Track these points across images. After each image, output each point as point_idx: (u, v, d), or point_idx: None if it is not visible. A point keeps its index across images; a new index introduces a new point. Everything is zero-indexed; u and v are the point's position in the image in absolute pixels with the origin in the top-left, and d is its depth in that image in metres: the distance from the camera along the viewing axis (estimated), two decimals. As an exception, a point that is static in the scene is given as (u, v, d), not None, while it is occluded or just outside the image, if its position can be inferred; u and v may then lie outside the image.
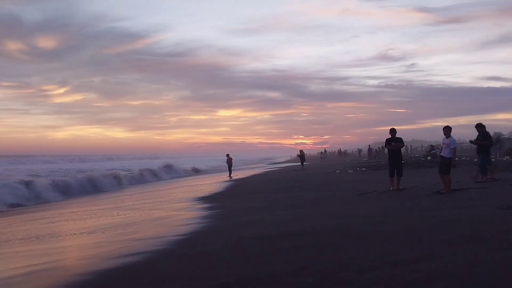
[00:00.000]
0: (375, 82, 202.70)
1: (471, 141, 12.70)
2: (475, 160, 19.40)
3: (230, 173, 28.56)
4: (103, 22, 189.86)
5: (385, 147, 12.01)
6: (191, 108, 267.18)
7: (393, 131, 11.89)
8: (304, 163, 34.04)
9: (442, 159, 10.48)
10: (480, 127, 12.16)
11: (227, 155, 29.60)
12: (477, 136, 12.36)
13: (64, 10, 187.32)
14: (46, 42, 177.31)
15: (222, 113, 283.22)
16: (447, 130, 10.35)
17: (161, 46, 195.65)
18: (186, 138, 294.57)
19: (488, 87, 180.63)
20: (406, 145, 24.31)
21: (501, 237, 4.93)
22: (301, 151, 36.16)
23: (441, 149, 10.83)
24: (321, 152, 64.46)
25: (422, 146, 50.47)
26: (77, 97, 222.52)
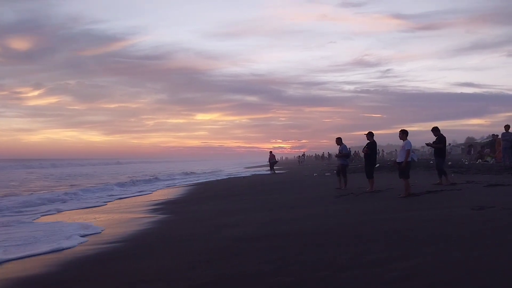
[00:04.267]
0: (352, 87, 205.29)
1: (427, 144, 13.09)
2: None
3: (272, 169, 31.78)
4: (79, 24, 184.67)
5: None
6: (169, 112, 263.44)
7: (367, 135, 12.29)
8: (274, 167, 34.37)
9: (397, 164, 10.82)
10: (436, 130, 12.46)
11: (270, 152, 32.74)
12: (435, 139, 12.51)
13: (39, 11, 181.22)
14: (20, 44, 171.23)
15: (200, 116, 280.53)
16: (402, 133, 10.52)
17: (138, 49, 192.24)
18: (164, 141, 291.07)
19: (461, 93, 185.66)
20: (378, 150, 24.56)
21: (475, 237, 5.07)
22: (270, 153, 37.21)
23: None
24: (299, 156, 65.25)
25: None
26: (52, 99, 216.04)
